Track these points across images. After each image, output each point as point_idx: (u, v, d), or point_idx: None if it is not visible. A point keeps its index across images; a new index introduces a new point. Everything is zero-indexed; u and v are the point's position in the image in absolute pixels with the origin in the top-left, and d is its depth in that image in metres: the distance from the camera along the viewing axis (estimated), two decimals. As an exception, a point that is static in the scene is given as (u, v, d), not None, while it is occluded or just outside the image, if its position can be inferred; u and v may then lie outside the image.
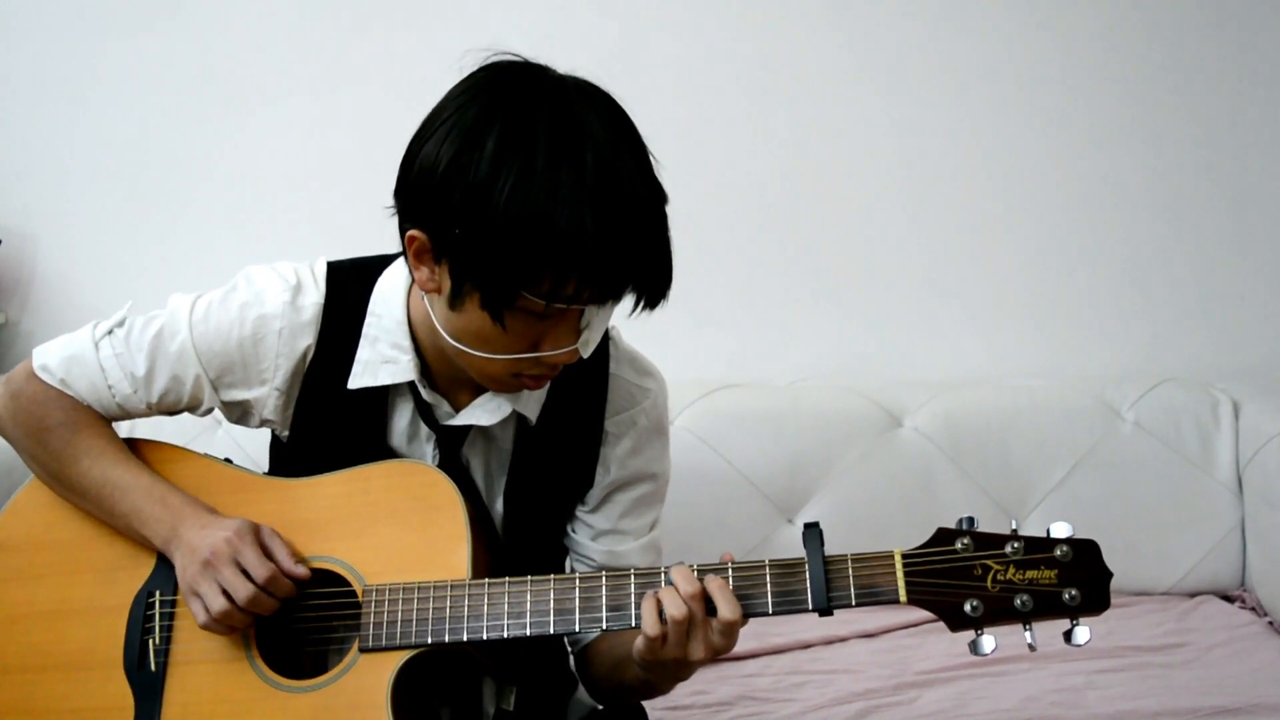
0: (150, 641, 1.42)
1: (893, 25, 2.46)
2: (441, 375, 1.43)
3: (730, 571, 1.29)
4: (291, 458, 1.49)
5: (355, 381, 1.42)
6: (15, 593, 1.48)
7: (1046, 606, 1.24)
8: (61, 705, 1.42)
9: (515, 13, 2.46)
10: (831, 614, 1.27)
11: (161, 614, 1.43)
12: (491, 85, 1.24)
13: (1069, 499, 2.28)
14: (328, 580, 1.40)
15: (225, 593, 1.34)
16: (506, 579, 1.34)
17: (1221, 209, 2.48)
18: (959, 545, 1.26)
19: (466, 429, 1.44)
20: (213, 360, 1.43)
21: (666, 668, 1.30)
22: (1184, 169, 2.47)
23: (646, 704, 1.56)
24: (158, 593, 1.44)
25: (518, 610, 1.32)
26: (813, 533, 1.29)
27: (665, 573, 1.30)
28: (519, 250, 1.19)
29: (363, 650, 1.35)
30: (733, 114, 2.48)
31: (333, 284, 1.44)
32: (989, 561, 1.25)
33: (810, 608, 1.27)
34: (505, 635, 1.32)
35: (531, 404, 1.44)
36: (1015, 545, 1.25)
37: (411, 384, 1.42)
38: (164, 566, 1.44)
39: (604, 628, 1.31)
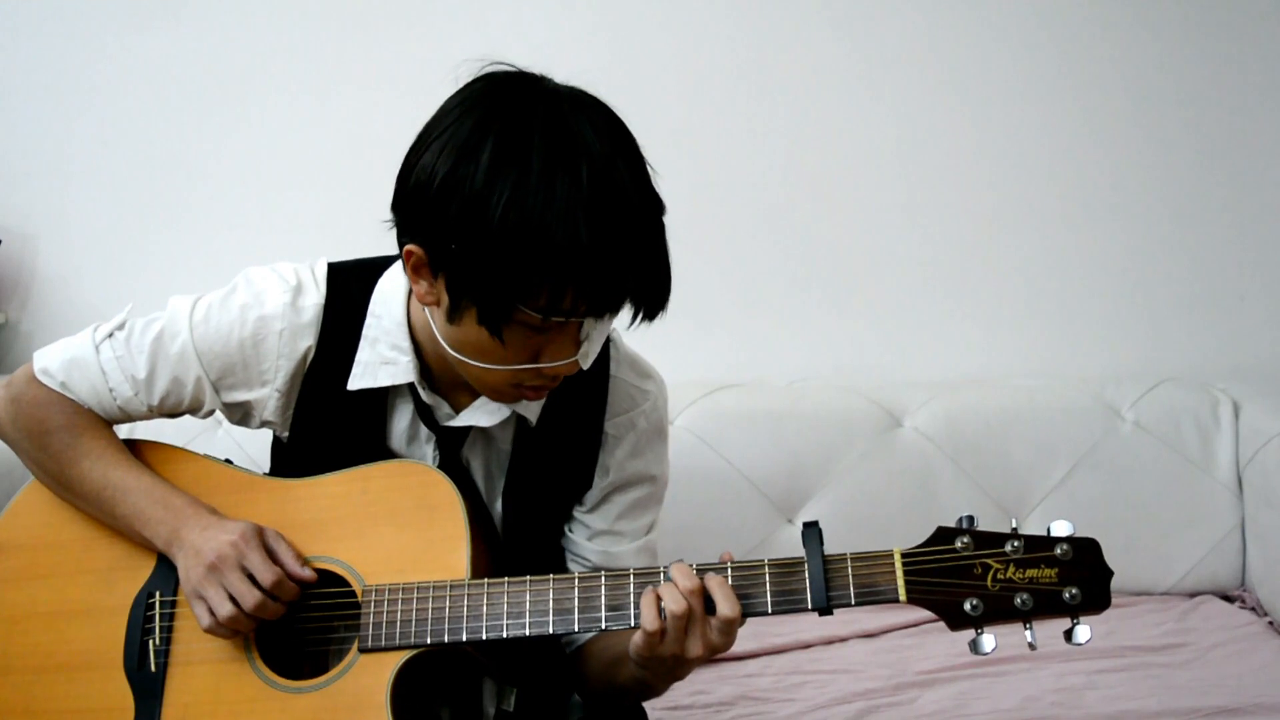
0: (150, 642, 1.42)
1: (892, 26, 2.46)
2: (441, 377, 1.43)
3: (729, 570, 1.29)
4: (291, 458, 1.49)
5: (355, 383, 1.42)
6: (16, 594, 1.48)
7: (1047, 605, 1.23)
8: (62, 706, 1.42)
9: (515, 14, 2.46)
10: (831, 613, 1.28)
11: (162, 615, 1.43)
12: (486, 98, 1.24)
13: (1069, 499, 2.28)
14: (327, 580, 1.40)
15: (231, 598, 1.34)
16: (505, 579, 1.34)
17: (1221, 209, 2.48)
18: (959, 544, 1.26)
19: (466, 430, 1.44)
20: (214, 362, 1.43)
21: (664, 665, 1.30)
22: (1184, 169, 2.47)
23: (646, 704, 1.56)
24: (158, 593, 1.44)
25: (517, 610, 1.32)
26: (812, 532, 1.29)
27: (664, 571, 1.30)
28: (515, 264, 1.19)
29: (362, 650, 1.35)
30: (733, 114, 2.48)
31: (333, 285, 1.44)
32: (989, 560, 1.25)
33: (810, 607, 1.27)
34: (504, 635, 1.32)
35: (531, 406, 1.44)
36: (1015, 544, 1.25)
37: (411, 385, 1.42)
38: (164, 567, 1.44)
39: (603, 627, 1.31)
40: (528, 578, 1.33)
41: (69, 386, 1.46)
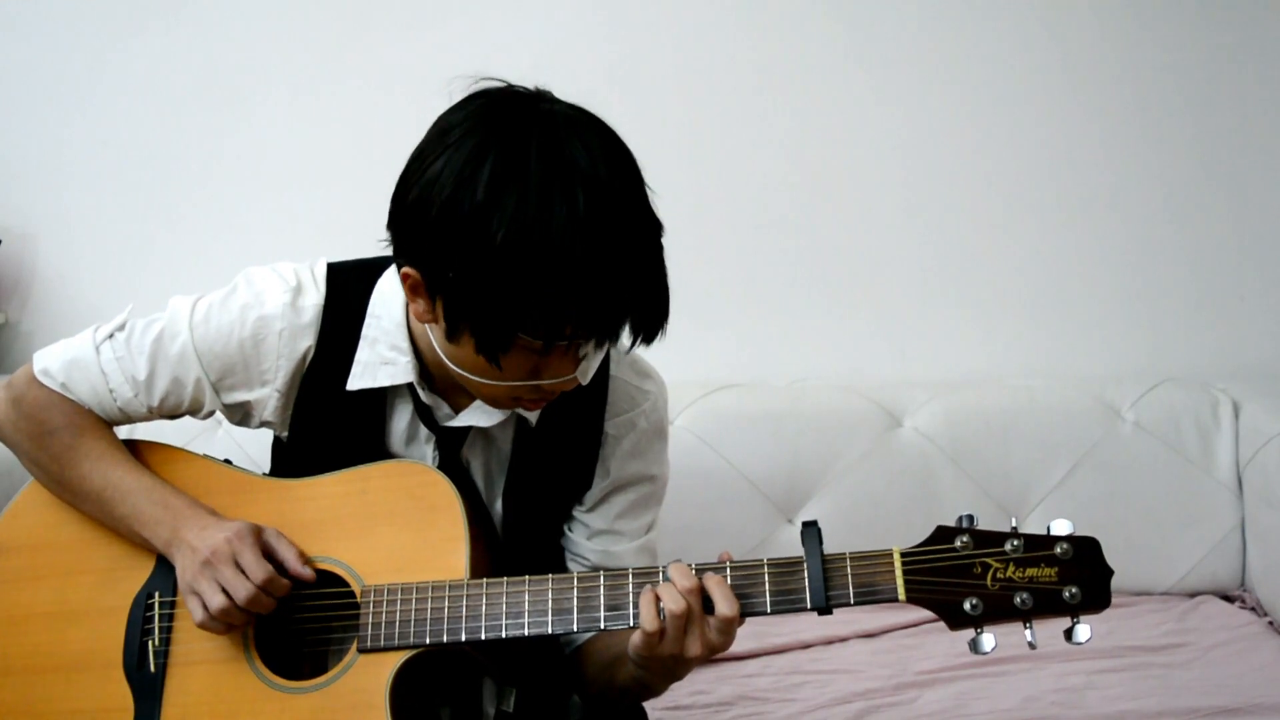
0: (150, 642, 1.42)
1: (892, 26, 2.46)
2: (440, 377, 1.43)
3: (728, 570, 1.29)
4: (291, 459, 1.49)
5: (354, 383, 1.42)
6: (16, 594, 1.48)
7: (1047, 604, 1.23)
8: (61, 706, 1.42)
9: (515, 14, 2.45)
10: (830, 613, 1.27)
11: (161, 615, 1.43)
12: (482, 121, 1.23)
13: (1069, 499, 2.28)
14: (327, 581, 1.40)
15: (224, 591, 1.34)
16: (504, 579, 1.34)
17: (1221, 209, 2.48)
18: (958, 543, 1.26)
19: (466, 430, 1.44)
20: (214, 362, 1.43)
21: (663, 665, 1.30)
22: (1184, 169, 2.47)
23: (646, 704, 1.56)
24: (157, 594, 1.44)
25: (516, 610, 1.32)
26: (811, 531, 1.29)
27: (663, 570, 1.30)
28: (512, 292, 1.19)
29: (361, 651, 1.35)
30: (734, 114, 2.47)
31: (333, 285, 1.44)
32: (989, 559, 1.25)
33: (809, 606, 1.27)
34: (503, 635, 1.32)
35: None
36: (1015, 543, 1.25)
37: (410, 385, 1.42)
38: (163, 567, 1.44)
39: (601, 627, 1.31)
40: (526, 578, 1.33)
41: (69, 387, 1.46)
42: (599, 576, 1.32)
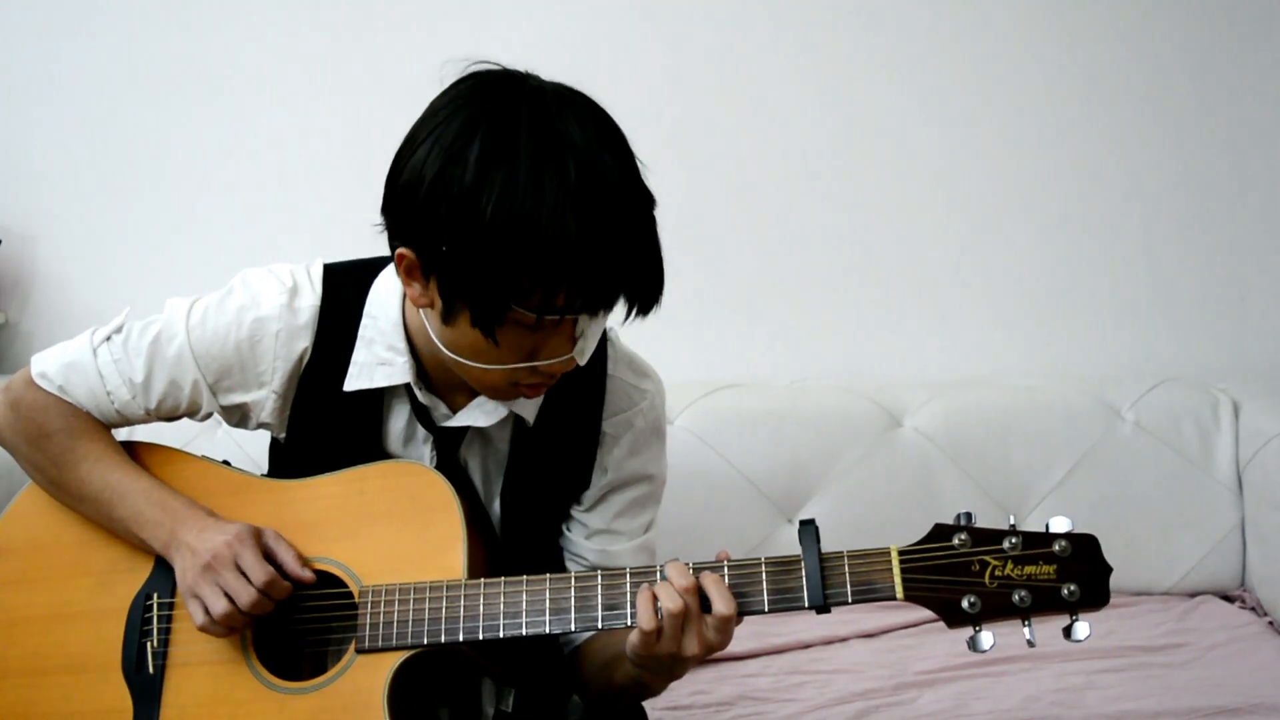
0: (148, 644, 1.42)
1: (893, 27, 2.46)
2: (438, 377, 1.43)
3: (726, 568, 1.29)
4: (289, 460, 1.49)
5: (351, 383, 1.42)
6: (14, 597, 1.48)
7: (1045, 602, 1.23)
8: (61, 708, 1.42)
9: (515, 15, 2.46)
10: (829, 611, 1.27)
11: (159, 616, 1.43)
12: (471, 98, 1.24)
13: (1069, 499, 2.27)
14: (325, 581, 1.40)
15: (227, 595, 1.34)
16: (502, 579, 1.34)
17: (1221, 209, 2.48)
18: (956, 541, 1.25)
19: (463, 430, 1.44)
20: (210, 364, 1.43)
21: (661, 664, 1.30)
22: (1183, 170, 2.47)
23: (646, 704, 1.56)
24: (155, 595, 1.44)
25: (513, 610, 1.32)
26: (808, 529, 1.28)
27: (660, 569, 1.30)
28: (506, 264, 1.19)
29: (360, 651, 1.35)
30: (733, 114, 2.48)
31: (329, 286, 1.44)
32: (987, 557, 1.25)
33: (806, 605, 1.27)
34: (501, 635, 1.32)
35: (529, 405, 1.44)
36: (1013, 540, 1.25)
37: (408, 386, 1.42)
38: (162, 569, 1.44)
39: (599, 627, 1.31)
40: (524, 577, 1.33)
41: (67, 390, 1.46)
42: (596, 576, 1.32)
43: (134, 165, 2.52)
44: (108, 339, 1.46)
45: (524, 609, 1.32)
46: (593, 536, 1.51)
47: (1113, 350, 2.51)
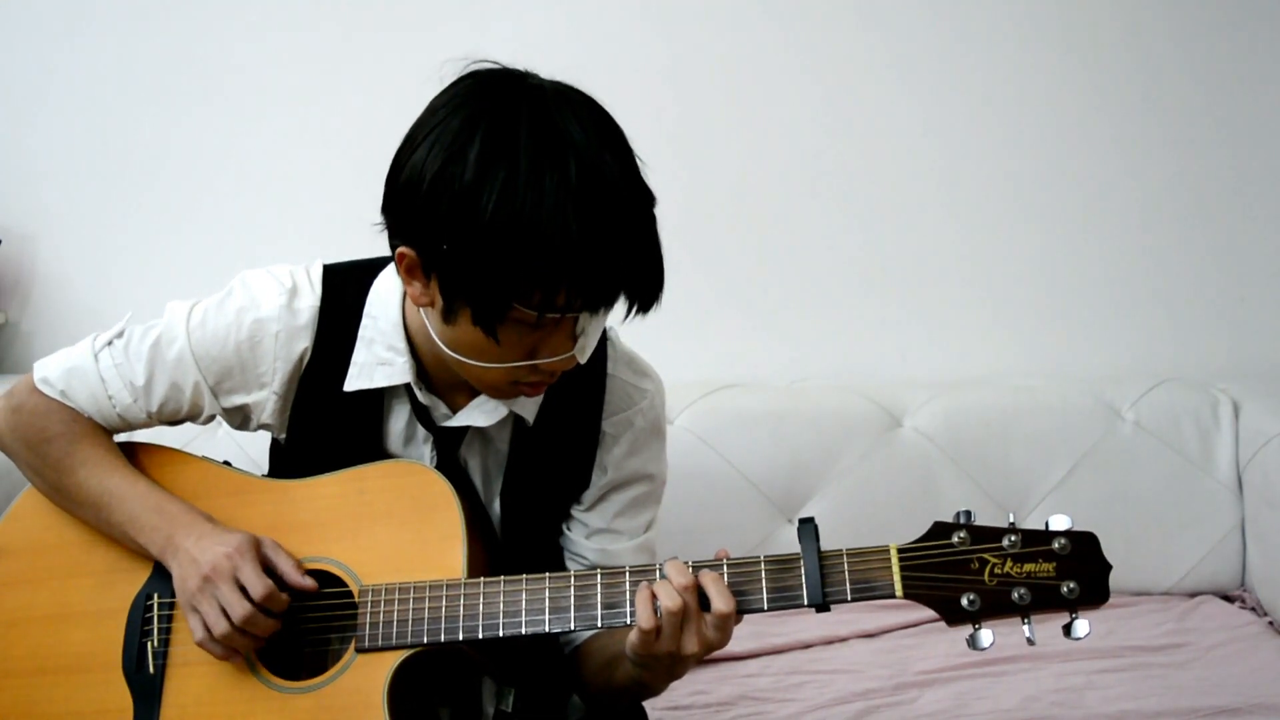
0: (149, 644, 1.42)
1: (893, 27, 2.46)
2: (438, 377, 1.43)
3: (725, 567, 1.29)
4: (289, 460, 1.49)
5: (351, 384, 1.42)
6: (15, 597, 1.48)
7: (1045, 600, 1.23)
8: (61, 708, 1.42)
9: (514, 14, 2.46)
10: (828, 609, 1.27)
11: (160, 616, 1.43)
12: (471, 97, 1.24)
13: (1069, 499, 2.27)
14: (325, 581, 1.40)
15: (224, 612, 1.34)
16: (501, 578, 1.34)
17: (1221, 210, 2.48)
18: (955, 539, 1.26)
19: (463, 430, 1.44)
20: (211, 366, 1.43)
21: (661, 663, 1.30)
22: (1183, 170, 2.47)
23: (646, 704, 1.55)
24: (156, 595, 1.44)
25: (513, 610, 1.32)
26: (808, 528, 1.28)
27: (659, 568, 1.30)
28: (506, 262, 1.19)
29: (360, 650, 1.35)
30: (732, 114, 2.48)
31: (328, 287, 1.44)
32: (986, 555, 1.25)
33: (806, 603, 1.26)
34: (501, 634, 1.32)
35: (529, 405, 1.44)
36: (1012, 538, 1.25)
37: (408, 386, 1.42)
38: (162, 570, 1.43)
39: (599, 625, 1.31)
40: (524, 576, 1.33)
41: (68, 395, 1.46)
42: (596, 575, 1.32)
43: (134, 165, 2.52)
44: (109, 344, 1.46)
45: (523, 608, 1.32)
46: (593, 536, 1.51)
47: (1113, 350, 2.51)
